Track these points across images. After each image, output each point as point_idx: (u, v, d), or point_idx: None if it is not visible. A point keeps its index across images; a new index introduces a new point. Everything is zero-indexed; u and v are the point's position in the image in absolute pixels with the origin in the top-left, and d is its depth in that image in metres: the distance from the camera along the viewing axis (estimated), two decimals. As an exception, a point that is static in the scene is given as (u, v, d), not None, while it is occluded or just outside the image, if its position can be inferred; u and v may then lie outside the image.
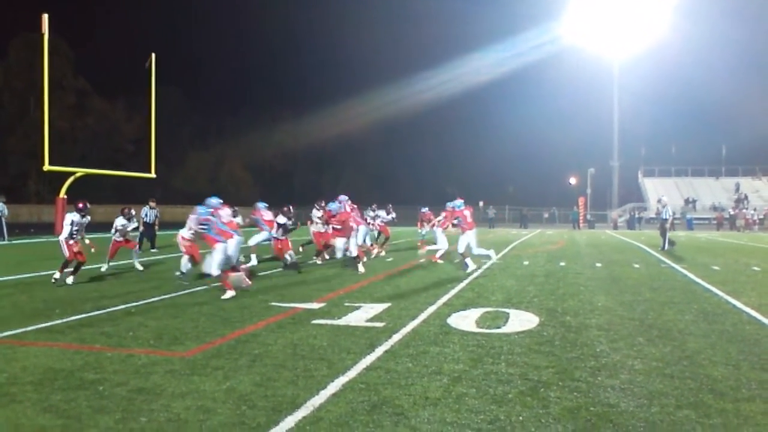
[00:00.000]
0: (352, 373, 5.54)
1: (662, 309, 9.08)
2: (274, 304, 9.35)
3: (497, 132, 60.35)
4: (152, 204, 20.12)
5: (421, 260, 16.56)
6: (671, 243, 21.48)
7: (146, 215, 19.63)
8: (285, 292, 10.61)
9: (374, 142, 63.38)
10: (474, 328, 7.57)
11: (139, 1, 56.12)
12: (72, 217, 11.45)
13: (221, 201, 11.33)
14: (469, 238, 13.91)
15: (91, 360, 6.02)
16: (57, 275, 11.34)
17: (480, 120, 59.92)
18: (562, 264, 15.88)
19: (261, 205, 15.53)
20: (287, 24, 59.46)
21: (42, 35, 18.05)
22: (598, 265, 15.92)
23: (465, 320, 8.06)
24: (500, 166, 61.23)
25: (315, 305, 9.21)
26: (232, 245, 10.70)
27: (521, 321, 8.04)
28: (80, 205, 11.63)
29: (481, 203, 50.75)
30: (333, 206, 15.25)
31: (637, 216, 50.32)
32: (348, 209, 14.81)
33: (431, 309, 8.94)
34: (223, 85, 61.41)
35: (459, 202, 14.56)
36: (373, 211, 20.27)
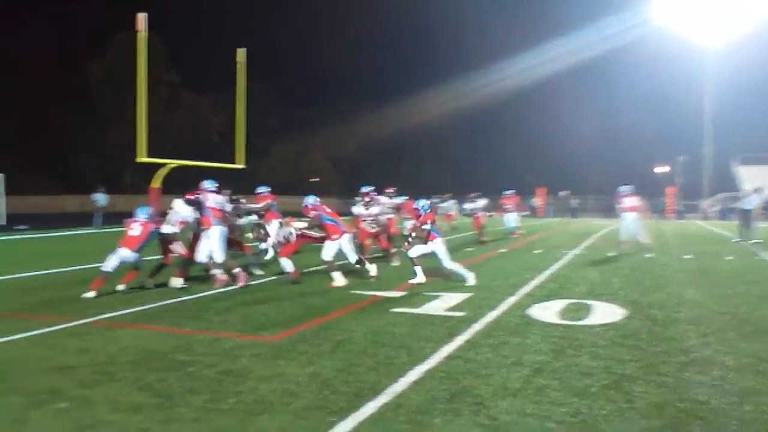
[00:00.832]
0: (431, 362, 5.57)
1: (757, 303, 8.62)
2: (354, 292, 9.50)
3: (581, 120, 58.58)
4: (226, 193, 20.88)
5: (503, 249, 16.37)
6: (750, 235, 19.91)
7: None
8: (365, 280, 10.75)
9: (454, 131, 62.95)
10: (556, 320, 7.44)
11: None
12: (184, 212, 10.19)
13: (216, 184, 10.54)
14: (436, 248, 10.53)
15: (182, 343, 6.32)
16: (178, 282, 9.91)
17: (563, 107, 58.34)
18: (649, 255, 15.32)
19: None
20: (368, 16, 59.77)
21: (138, 33, 18.88)
22: (687, 256, 15.26)
23: (546, 311, 7.93)
24: (584, 155, 59.50)
25: (395, 293, 9.29)
26: (212, 235, 9.96)
27: (605, 313, 7.83)
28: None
29: (562, 193, 49.53)
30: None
31: (730, 206, 47.78)
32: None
33: (512, 299, 8.84)
34: (306, 77, 62.51)
35: (424, 203, 10.87)
36: (472, 201, 20.51)
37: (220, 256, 9.95)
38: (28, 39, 52.86)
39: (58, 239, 21.07)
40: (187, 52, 52.78)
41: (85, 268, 11.90)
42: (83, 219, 27.10)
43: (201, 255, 9.97)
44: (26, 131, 51.21)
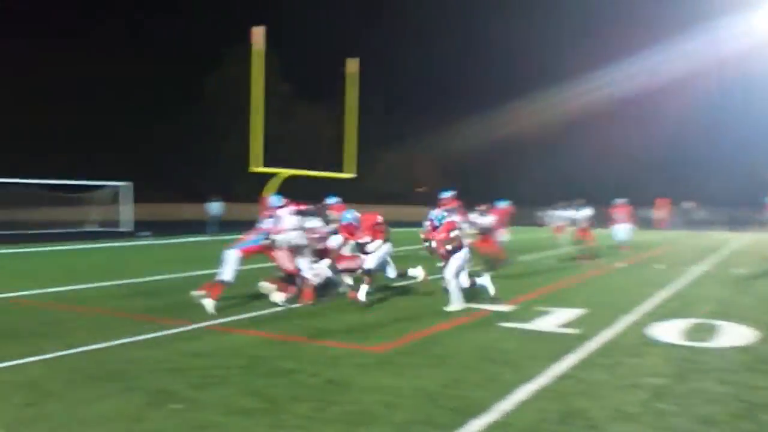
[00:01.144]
0: (541, 381, 5.33)
1: None
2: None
3: (699, 126, 55.25)
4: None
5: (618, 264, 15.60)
6: None
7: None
8: (474, 293, 10.53)
9: (563, 137, 61.17)
10: (678, 341, 6.94)
11: (338, 9, 59.14)
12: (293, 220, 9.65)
13: (283, 199, 10.18)
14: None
15: (290, 350, 6.42)
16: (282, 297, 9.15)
17: (679, 112, 55.27)
18: (784, 273, 14.08)
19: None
20: (475, 22, 59.19)
21: (254, 46, 19.66)
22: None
23: (668, 331, 7.42)
24: (707, 164, 56.04)
25: (504, 308, 9.04)
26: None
27: (734, 335, 7.23)
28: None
29: (686, 204, 46.64)
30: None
31: None
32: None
33: (630, 318, 8.36)
34: (415, 85, 62.84)
35: (437, 212, 9.86)
36: (576, 209, 17.94)
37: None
38: (153, 55, 56.51)
39: (176, 246, 22.24)
40: (301, 63, 54.50)
41: (199, 274, 12.42)
42: (200, 226, 28.48)
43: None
44: (150, 142, 54.74)
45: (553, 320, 8.07)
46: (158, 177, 52.57)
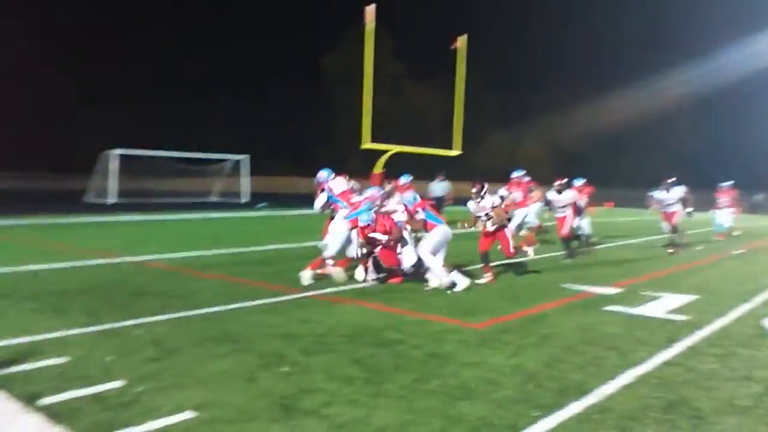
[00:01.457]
0: (646, 367, 5.22)
1: None
2: (566, 285, 9.19)
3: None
4: (440, 179, 21.14)
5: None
6: None
7: (434, 190, 20.72)
8: (579, 273, 10.35)
9: (680, 120, 57.67)
10: (800, 334, 6.54)
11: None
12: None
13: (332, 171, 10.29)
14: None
15: (394, 321, 6.62)
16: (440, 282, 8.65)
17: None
18: None
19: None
20: (590, 3, 56.46)
21: (366, 25, 19.91)
22: None
23: (789, 324, 6.99)
24: None
25: (610, 290, 8.82)
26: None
27: None
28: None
29: None
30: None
31: None
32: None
33: (745, 306, 7.93)
34: (526, 64, 61.20)
35: (409, 196, 9.40)
36: (667, 189, 14.98)
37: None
38: (275, 35, 58.45)
39: (291, 217, 23.14)
40: (411, 42, 54.52)
41: (310, 246, 12.88)
42: (312, 200, 29.45)
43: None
44: (268, 118, 56.89)
45: (662, 306, 7.80)
46: (275, 151, 54.68)
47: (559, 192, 12.61)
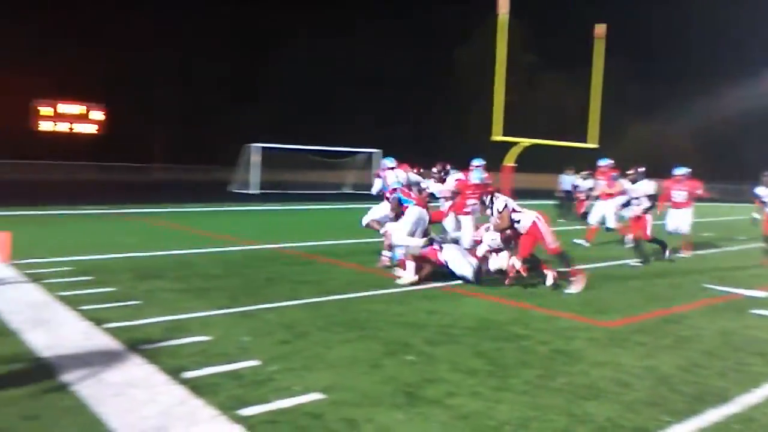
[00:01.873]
0: (798, 377, 4.79)
1: None
2: (708, 286, 8.60)
3: None
4: (569, 172, 20.42)
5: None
6: None
7: (563, 183, 20.10)
8: (723, 274, 9.64)
9: None
10: None
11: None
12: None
13: (393, 160, 10.33)
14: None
15: (520, 316, 6.52)
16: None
17: None
18: None
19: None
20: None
21: (499, 16, 19.63)
22: None
23: None
24: None
25: (759, 293, 8.15)
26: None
27: None
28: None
29: None
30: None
31: None
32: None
33: None
34: (668, 53, 57.51)
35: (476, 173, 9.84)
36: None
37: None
38: (402, 27, 59.02)
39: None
40: (545, 32, 53.01)
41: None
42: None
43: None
44: (399, 111, 57.65)
45: (824, 313, 7.09)
46: (407, 145, 55.36)
47: (633, 182, 11.06)
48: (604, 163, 13.72)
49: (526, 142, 22.72)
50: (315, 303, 6.78)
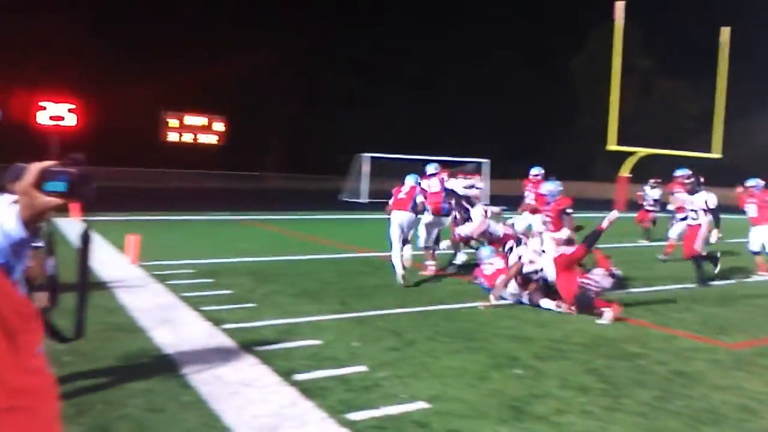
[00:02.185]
0: None
1: None
2: None
3: None
4: (653, 183, 19.03)
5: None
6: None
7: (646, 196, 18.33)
8: None
9: None
10: None
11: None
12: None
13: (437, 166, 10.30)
14: None
15: (636, 334, 6.25)
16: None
17: None
18: None
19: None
20: None
21: (615, 22, 19.03)
22: None
23: None
24: None
25: None
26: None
27: None
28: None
29: None
30: None
31: None
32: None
33: None
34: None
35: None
36: None
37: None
38: (510, 34, 58.23)
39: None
40: (663, 37, 50.56)
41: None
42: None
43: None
44: (513, 120, 56.87)
45: None
46: (516, 153, 54.54)
47: (691, 193, 9.78)
48: (681, 173, 12.24)
49: (643, 152, 21.83)
50: (423, 312, 6.83)
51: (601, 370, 5.04)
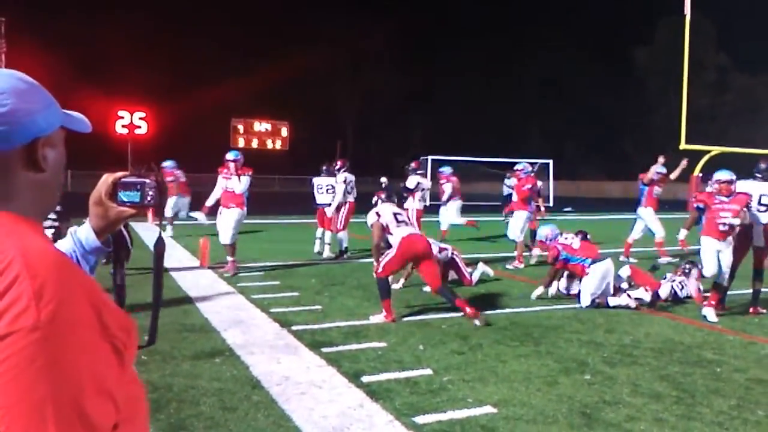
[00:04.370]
0: None
1: None
2: None
3: None
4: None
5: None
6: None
7: None
8: None
9: None
10: None
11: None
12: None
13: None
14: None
15: (711, 340, 6.03)
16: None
17: None
18: None
19: None
20: None
21: (684, 16, 18.39)
22: None
23: None
24: None
25: None
26: None
27: None
28: None
29: None
30: None
31: None
32: None
33: None
34: None
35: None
36: None
37: None
38: (585, 30, 57.07)
39: (598, 222, 22.33)
40: (738, 30, 48.54)
41: (613, 252, 12.24)
42: (623, 204, 27.91)
43: None
44: (581, 120, 55.73)
45: None
46: (582, 154, 53.42)
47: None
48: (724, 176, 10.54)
49: (715, 150, 21.03)
50: (489, 315, 6.76)
51: (674, 377, 4.88)
